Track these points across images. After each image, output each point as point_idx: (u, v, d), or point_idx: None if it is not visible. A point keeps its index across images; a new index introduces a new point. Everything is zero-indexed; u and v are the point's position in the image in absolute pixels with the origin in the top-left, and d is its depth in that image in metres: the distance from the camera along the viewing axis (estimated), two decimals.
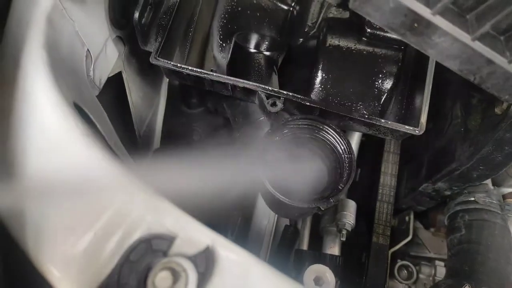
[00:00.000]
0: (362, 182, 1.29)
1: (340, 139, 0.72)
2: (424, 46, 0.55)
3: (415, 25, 0.52)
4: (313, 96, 0.96)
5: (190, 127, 1.21)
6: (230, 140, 1.24)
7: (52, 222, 0.48)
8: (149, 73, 1.05)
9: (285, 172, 0.74)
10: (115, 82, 0.89)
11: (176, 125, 1.21)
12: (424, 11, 0.50)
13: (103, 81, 0.79)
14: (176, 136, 1.22)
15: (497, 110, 0.73)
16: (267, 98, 0.84)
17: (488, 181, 1.01)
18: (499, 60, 0.52)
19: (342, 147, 0.72)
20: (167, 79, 1.18)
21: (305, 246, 1.10)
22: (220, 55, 1.11)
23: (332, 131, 0.72)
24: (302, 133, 0.75)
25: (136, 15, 0.77)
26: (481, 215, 0.94)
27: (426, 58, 0.88)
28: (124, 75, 0.92)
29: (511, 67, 0.53)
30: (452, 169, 0.93)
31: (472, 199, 0.97)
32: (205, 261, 0.47)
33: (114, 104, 0.97)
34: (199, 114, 1.23)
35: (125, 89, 0.96)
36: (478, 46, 0.52)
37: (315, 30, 1.07)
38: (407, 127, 0.82)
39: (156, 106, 1.15)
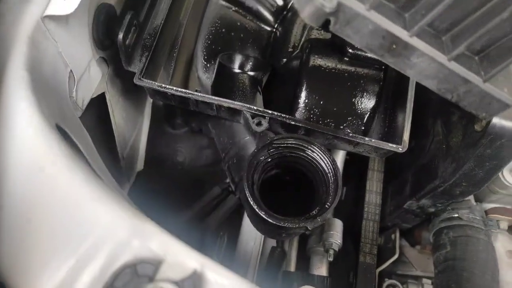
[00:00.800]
0: (347, 200, 1.30)
1: (326, 158, 0.73)
2: (403, 66, 0.57)
3: (394, 46, 0.54)
4: (297, 115, 0.98)
5: (174, 148, 1.21)
6: (216, 160, 1.24)
7: (31, 247, 0.47)
8: (132, 93, 1.05)
9: (272, 191, 0.74)
10: (98, 103, 0.89)
11: (160, 146, 1.21)
12: (402, 33, 0.53)
13: (86, 102, 0.79)
14: (160, 157, 1.22)
15: (477, 127, 0.76)
16: (253, 118, 0.85)
17: (471, 197, 1.04)
18: (475, 79, 0.55)
19: (328, 166, 0.73)
20: (151, 100, 1.18)
21: (292, 267, 1.09)
22: (205, 76, 1.12)
23: (317, 149, 0.73)
24: (288, 152, 0.76)
25: (121, 35, 0.78)
26: (465, 231, 0.96)
27: (407, 77, 0.91)
28: (107, 96, 0.92)
29: (486, 86, 0.55)
30: (435, 186, 0.95)
31: (456, 215, 0.99)
32: (193, 286, 0.46)
33: (96, 125, 0.96)
34: (183, 135, 1.23)
35: (108, 110, 0.95)
36: (454, 66, 0.55)
37: (298, 50, 1.10)
38: (390, 145, 0.84)
39: (140, 127, 1.15)
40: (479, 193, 1.06)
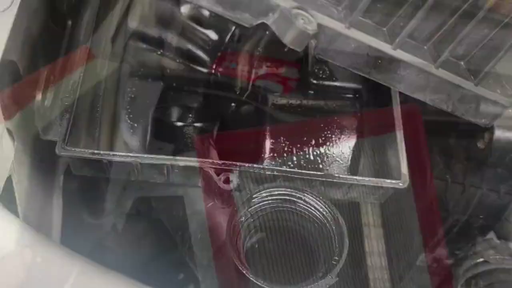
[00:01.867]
0: None
1: (322, 205, 0.90)
2: (392, 81, 0.80)
3: (379, 62, 0.77)
4: (266, 165, 1.16)
5: (101, 246, 1.30)
6: (161, 250, 1.35)
7: None
8: (40, 173, 1.15)
9: (268, 259, 0.89)
10: None
11: (79, 245, 1.29)
12: (385, 47, 0.76)
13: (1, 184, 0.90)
14: None
15: (480, 144, 1.00)
16: (218, 175, 1.01)
17: (492, 236, 1.26)
18: (466, 84, 0.80)
19: (326, 214, 0.90)
20: (61, 184, 1.28)
21: None
22: (133, 139, 1.26)
23: (311, 197, 0.91)
24: (275, 207, 0.92)
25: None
26: (497, 277, 1.16)
27: (389, 103, 1.15)
28: (14, 180, 1.02)
29: (478, 89, 0.80)
30: (449, 226, 1.16)
31: (481, 259, 1.20)
32: None
33: None
34: (109, 224, 1.33)
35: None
36: (443, 73, 0.79)
37: (249, 91, 1.30)
38: (388, 181, 1.03)
39: (50, 221, 1.23)
40: (501, 229, 1.29)
